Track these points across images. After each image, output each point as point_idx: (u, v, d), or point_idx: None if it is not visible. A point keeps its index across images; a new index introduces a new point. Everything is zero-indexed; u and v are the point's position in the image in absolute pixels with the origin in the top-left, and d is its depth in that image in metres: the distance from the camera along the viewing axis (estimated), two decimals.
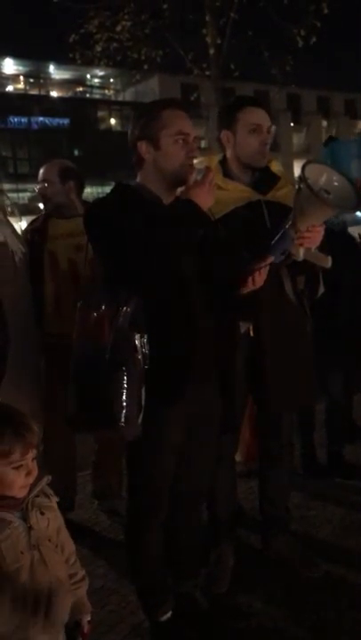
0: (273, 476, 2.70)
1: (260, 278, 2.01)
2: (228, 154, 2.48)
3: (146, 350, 1.80)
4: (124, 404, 1.74)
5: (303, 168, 2.05)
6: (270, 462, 2.69)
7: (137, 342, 1.79)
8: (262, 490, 2.74)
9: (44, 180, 3.05)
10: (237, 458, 3.08)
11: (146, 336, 1.81)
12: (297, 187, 2.14)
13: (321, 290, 2.53)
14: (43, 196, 3.08)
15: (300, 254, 2.21)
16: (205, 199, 1.92)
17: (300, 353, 2.50)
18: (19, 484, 1.52)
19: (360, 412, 4.24)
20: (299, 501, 3.21)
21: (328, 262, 2.29)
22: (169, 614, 2.15)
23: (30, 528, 1.53)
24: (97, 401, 1.76)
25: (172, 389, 1.92)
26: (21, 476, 1.52)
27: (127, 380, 1.75)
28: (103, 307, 1.79)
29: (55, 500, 1.64)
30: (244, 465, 3.40)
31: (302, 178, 2.02)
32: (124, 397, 1.74)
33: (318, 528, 3.00)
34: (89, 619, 1.70)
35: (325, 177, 2.10)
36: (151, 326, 1.82)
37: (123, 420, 1.74)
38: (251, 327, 2.33)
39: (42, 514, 1.57)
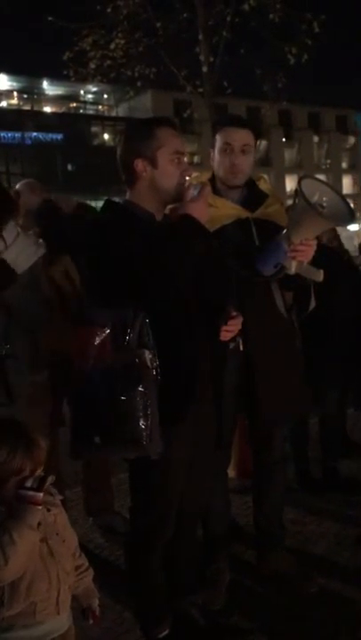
0: (267, 492, 2.70)
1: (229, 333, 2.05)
2: (214, 170, 2.52)
3: (156, 366, 1.80)
4: (147, 421, 1.74)
5: (300, 182, 2.09)
6: (264, 478, 2.69)
7: (147, 359, 1.78)
8: (257, 505, 2.74)
9: None
10: (232, 474, 3.08)
11: (155, 353, 1.81)
12: (293, 200, 2.18)
13: (312, 304, 2.55)
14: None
15: (293, 268, 2.24)
16: (203, 214, 1.94)
17: (289, 367, 2.51)
18: None
19: (354, 426, 4.25)
20: (294, 516, 3.21)
21: (320, 276, 2.31)
22: (166, 632, 2.14)
23: (39, 524, 1.59)
24: (117, 422, 1.73)
25: (181, 406, 1.92)
26: None
27: (146, 397, 1.74)
28: (108, 327, 1.78)
29: (59, 497, 1.73)
30: (238, 480, 3.40)
31: (299, 191, 2.06)
32: (146, 414, 1.74)
33: (314, 543, 3.00)
34: (98, 603, 1.83)
35: (319, 192, 2.14)
36: (157, 344, 1.82)
37: (145, 437, 1.73)
38: (241, 341, 2.34)
39: (48, 510, 1.65)
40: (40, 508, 1.55)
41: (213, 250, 2.13)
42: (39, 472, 1.60)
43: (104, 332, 1.77)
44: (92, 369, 1.78)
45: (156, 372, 1.80)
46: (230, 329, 2.04)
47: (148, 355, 1.78)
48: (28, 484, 1.55)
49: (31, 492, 1.54)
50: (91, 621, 1.81)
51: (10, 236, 2.48)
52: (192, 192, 1.96)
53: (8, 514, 1.52)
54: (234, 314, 2.03)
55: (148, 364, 1.78)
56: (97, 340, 1.77)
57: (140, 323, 1.78)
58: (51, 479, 1.64)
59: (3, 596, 1.53)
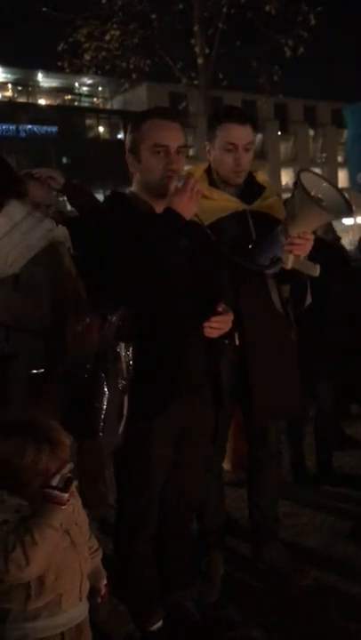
0: (262, 485, 2.70)
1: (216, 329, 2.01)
2: (212, 164, 2.49)
3: (130, 360, 1.80)
4: (104, 413, 1.74)
5: (299, 174, 2.08)
6: (259, 471, 2.69)
7: (121, 352, 1.78)
8: (251, 498, 2.74)
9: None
10: (226, 466, 3.08)
11: (131, 346, 1.80)
12: (292, 193, 2.17)
13: (308, 300, 2.53)
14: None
15: (290, 262, 2.22)
16: (186, 206, 1.89)
17: (284, 362, 2.49)
18: None
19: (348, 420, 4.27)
20: (288, 509, 3.22)
21: (316, 271, 2.30)
22: (159, 624, 2.14)
23: None
24: (78, 410, 1.75)
25: (157, 402, 1.91)
26: None
27: (108, 390, 1.75)
28: (89, 317, 1.80)
29: (75, 484, 1.69)
30: (233, 474, 3.40)
31: (299, 183, 2.04)
32: (104, 407, 1.74)
33: (308, 536, 3.01)
34: (106, 582, 1.82)
35: (317, 187, 2.13)
36: (137, 337, 1.81)
37: (101, 429, 1.74)
38: (236, 336, 2.33)
39: (67, 500, 1.63)
40: (64, 508, 1.53)
41: (202, 243, 2.11)
42: (66, 470, 1.58)
43: (86, 321, 1.78)
44: (73, 357, 1.81)
45: (128, 366, 1.79)
46: (214, 326, 1.97)
47: (122, 348, 1.78)
48: (54, 482, 1.52)
49: (57, 492, 1.51)
50: (99, 600, 1.80)
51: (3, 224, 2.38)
52: (175, 184, 1.92)
53: (31, 511, 1.51)
54: (220, 310, 1.98)
55: (122, 356, 1.77)
56: (79, 329, 1.78)
57: (120, 314, 1.77)
58: (69, 467, 1.63)
59: (30, 589, 1.52)
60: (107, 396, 1.75)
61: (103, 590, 1.81)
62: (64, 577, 1.58)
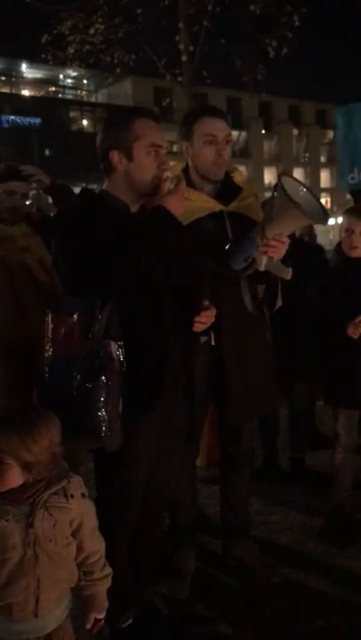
0: (234, 483, 2.72)
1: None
2: (190, 164, 2.49)
3: (121, 358, 1.79)
4: (106, 413, 1.72)
5: (280, 177, 2.10)
6: (231, 469, 2.71)
7: (113, 350, 1.77)
8: (223, 496, 2.76)
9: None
10: (199, 463, 3.10)
11: (120, 344, 1.80)
12: (271, 195, 2.19)
13: (279, 303, 2.56)
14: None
15: (263, 264, 2.24)
16: (177, 207, 1.94)
17: (260, 362, 2.52)
18: None
19: (322, 418, 4.31)
20: (260, 507, 3.25)
21: (288, 274, 2.32)
22: (130, 621, 2.15)
23: (30, 526, 1.56)
24: (77, 412, 1.71)
25: (146, 400, 1.92)
26: None
27: (108, 389, 1.73)
28: (75, 316, 1.78)
29: (78, 502, 1.66)
30: (206, 470, 3.43)
31: (280, 186, 2.06)
32: (106, 406, 1.72)
33: (279, 534, 3.04)
34: (101, 617, 1.78)
35: (296, 192, 2.15)
36: (124, 335, 1.81)
37: (104, 429, 1.72)
38: (213, 336, 2.35)
39: (50, 514, 1.59)
40: None
41: (186, 243, 2.13)
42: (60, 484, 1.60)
43: (71, 321, 1.76)
44: (57, 357, 1.77)
45: (120, 363, 1.79)
46: (203, 320, 2.03)
47: (113, 346, 1.77)
48: None
49: None
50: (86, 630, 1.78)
51: None
52: (168, 185, 1.95)
53: None
54: (206, 304, 2.02)
55: (113, 355, 1.77)
56: (63, 328, 1.76)
57: (108, 313, 1.77)
58: (67, 480, 1.64)
59: None
60: (108, 396, 1.73)
61: (90, 624, 1.77)
62: (13, 587, 1.57)
